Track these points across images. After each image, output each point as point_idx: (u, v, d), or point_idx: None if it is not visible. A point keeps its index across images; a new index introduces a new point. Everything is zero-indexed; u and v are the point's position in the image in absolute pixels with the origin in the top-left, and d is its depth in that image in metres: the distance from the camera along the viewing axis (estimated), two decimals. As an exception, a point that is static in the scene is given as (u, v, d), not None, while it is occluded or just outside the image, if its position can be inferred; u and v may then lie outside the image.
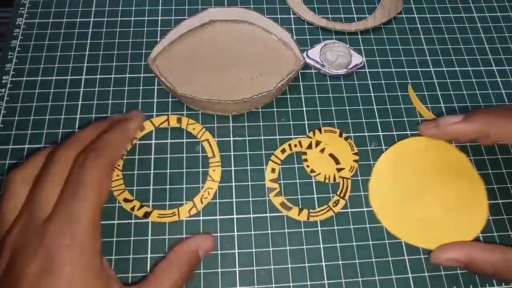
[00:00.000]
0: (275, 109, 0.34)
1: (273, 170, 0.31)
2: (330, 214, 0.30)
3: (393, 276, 0.28)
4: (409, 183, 0.31)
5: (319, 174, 0.31)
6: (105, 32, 0.36)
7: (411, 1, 0.40)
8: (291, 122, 0.33)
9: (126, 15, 0.38)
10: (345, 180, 0.31)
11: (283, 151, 0.32)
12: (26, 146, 0.31)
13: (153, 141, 0.32)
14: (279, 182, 0.31)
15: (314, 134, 0.33)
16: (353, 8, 0.39)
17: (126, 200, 0.29)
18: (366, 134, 0.33)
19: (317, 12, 0.39)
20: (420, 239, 0.29)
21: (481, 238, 0.30)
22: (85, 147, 0.23)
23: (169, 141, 0.32)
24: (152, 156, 0.31)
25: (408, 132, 0.33)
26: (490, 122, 0.28)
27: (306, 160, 0.32)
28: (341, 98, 0.35)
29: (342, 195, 0.30)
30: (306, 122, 0.33)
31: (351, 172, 0.31)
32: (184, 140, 0.32)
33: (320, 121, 0.33)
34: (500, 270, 0.26)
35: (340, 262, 0.28)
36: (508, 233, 0.30)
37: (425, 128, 0.31)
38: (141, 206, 0.29)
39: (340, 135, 0.33)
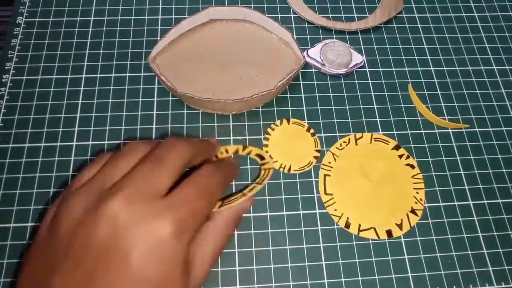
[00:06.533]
0: (275, 108, 0.34)
1: None
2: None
3: (393, 276, 0.28)
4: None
5: (276, 161, 0.31)
6: (105, 31, 0.36)
7: (412, 0, 0.40)
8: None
9: (126, 14, 0.37)
10: (266, 171, 0.30)
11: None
12: (26, 145, 0.31)
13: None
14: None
15: (281, 123, 0.33)
16: (354, 7, 0.39)
17: None
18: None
19: (318, 11, 0.39)
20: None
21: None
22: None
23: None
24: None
25: (408, 132, 0.33)
26: None
27: (266, 146, 0.32)
28: (341, 97, 0.35)
29: (259, 181, 0.28)
30: (306, 121, 0.33)
31: (308, 167, 0.31)
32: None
33: (320, 120, 0.33)
34: None
35: (340, 262, 0.28)
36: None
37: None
38: None
39: (308, 130, 0.33)
